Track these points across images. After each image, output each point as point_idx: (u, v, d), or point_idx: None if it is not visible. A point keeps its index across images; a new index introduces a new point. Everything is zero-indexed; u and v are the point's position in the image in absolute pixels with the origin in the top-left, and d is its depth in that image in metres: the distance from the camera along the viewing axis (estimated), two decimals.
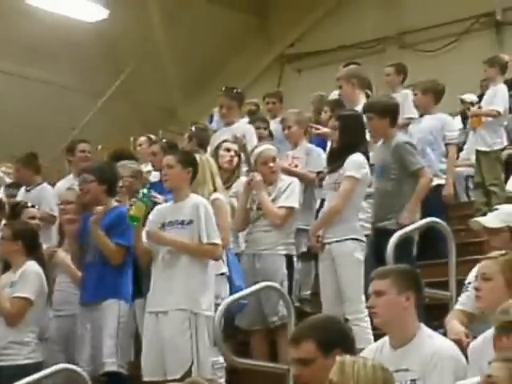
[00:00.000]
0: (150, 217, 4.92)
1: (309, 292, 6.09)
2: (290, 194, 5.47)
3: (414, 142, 5.62)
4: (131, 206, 4.82)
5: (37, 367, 4.94)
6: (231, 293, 5.07)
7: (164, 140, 6.96)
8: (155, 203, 5.11)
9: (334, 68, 7.42)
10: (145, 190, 4.89)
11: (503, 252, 3.56)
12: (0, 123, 11.18)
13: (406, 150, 5.43)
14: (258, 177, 5.47)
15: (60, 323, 5.48)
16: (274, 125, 7.22)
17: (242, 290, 5.08)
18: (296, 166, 6.19)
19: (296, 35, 12.54)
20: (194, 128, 7.11)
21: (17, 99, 11.47)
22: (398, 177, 5.37)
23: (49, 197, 6.76)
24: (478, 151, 6.96)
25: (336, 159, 5.27)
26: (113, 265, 5.13)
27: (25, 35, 10.99)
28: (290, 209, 5.45)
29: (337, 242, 5.10)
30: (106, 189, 5.26)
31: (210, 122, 8.34)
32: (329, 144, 6.09)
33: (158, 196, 5.28)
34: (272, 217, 5.40)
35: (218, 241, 4.82)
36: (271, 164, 5.52)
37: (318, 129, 6.50)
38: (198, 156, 5.17)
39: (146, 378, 4.78)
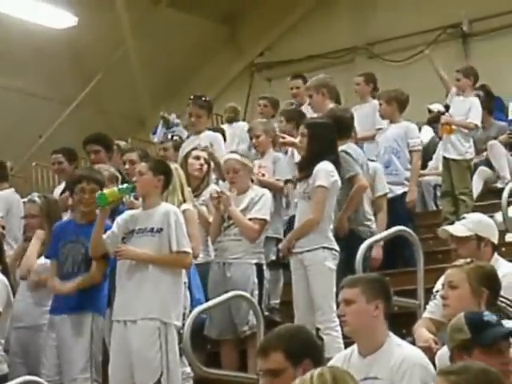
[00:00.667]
0: (119, 219, 4.88)
1: (278, 301, 6.09)
2: (262, 205, 5.47)
3: (350, 151, 5.68)
4: (108, 187, 4.77)
5: (2, 379, 4.84)
6: (192, 306, 5.02)
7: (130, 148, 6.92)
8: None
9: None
10: (130, 185, 4.84)
11: (469, 260, 3.59)
12: None
13: (342, 158, 5.52)
14: (228, 193, 5.48)
15: (19, 335, 5.37)
16: None
17: (201, 303, 5.05)
18: (263, 175, 6.20)
19: (266, 44, 12.56)
20: (177, 138, 7.09)
21: None
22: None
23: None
24: (446, 159, 7.01)
25: (305, 168, 5.28)
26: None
27: None
28: (264, 221, 5.46)
29: (308, 251, 5.11)
30: None
31: (154, 133, 8.28)
32: (295, 153, 6.12)
33: (136, 202, 5.22)
34: (248, 231, 5.40)
35: (188, 249, 4.79)
36: (231, 175, 5.55)
37: (284, 137, 6.52)
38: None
39: None
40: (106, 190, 4.77)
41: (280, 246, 5.41)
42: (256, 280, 5.37)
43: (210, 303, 5.03)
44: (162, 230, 4.74)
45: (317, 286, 5.05)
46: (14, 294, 5.25)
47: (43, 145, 11.08)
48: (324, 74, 6.78)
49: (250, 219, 5.44)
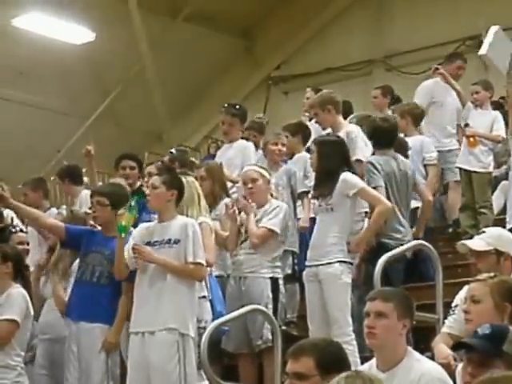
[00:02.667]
0: (134, 233, 4.90)
1: (295, 315, 6.06)
2: (273, 216, 5.46)
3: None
4: (120, 215, 4.81)
5: None
6: (213, 318, 5.03)
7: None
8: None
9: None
10: (133, 202, 4.86)
11: (492, 274, 3.54)
12: None
13: (366, 168, 5.52)
14: (243, 201, 5.49)
15: (45, 347, 5.44)
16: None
17: (222, 315, 5.05)
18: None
19: (282, 57, 12.59)
20: (175, 151, 7.06)
21: (1, 121, 11.41)
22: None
23: None
24: (467, 171, 6.93)
25: (319, 185, 5.25)
26: (110, 289, 5.06)
27: (11, 57, 10.95)
28: (270, 230, 5.43)
29: (325, 264, 5.07)
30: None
31: None
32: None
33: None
34: (251, 236, 5.41)
35: (203, 261, 4.80)
36: (250, 185, 5.53)
37: None
38: (184, 178, 5.16)
39: None
40: (122, 221, 4.80)
41: (351, 241, 5.14)
42: (270, 294, 5.34)
43: (228, 317, 5.02)
44: (179, 241, 4.77)
45: (333, 300, 5.02)
46: (35, 308, 5.30)
47: (62, 159, 11.12)
48: (327, 90, 6.69)
49: (259, 228, 5.43)
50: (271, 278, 5.39)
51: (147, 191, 5.01)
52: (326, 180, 5.19)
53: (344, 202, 5.12)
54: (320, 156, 5.23)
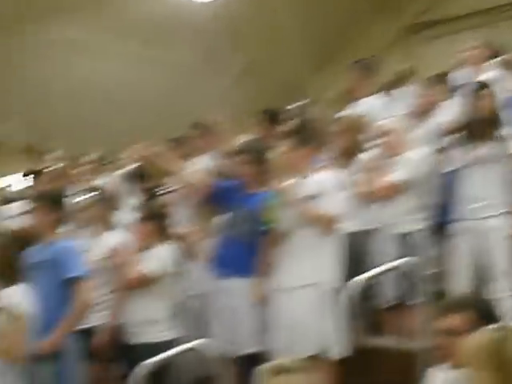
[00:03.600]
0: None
1: (437, 269, 5.89)
2: (399, 168, 5.33)
3: None
4: (266, 211, 4.84)
5: (169, 345, 5.02)
6: None
7: None
8: None
9: (467, 35, 7.06)
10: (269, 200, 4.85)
11: None
12: (124, 106, 11.46)
13: None
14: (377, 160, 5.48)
15: (193, 302, 5.61)
16: None
17: None
18: None
19: (425, 3, 12.10)
20: (295, 106, 6.98)
21: (141, 81, 11.70)
22: None
23: None
24: None
25: (491, 129, 5.08)
26: (254, 244, 5.06)
27: (146, 16, 11.16)
28: (393, 183, 5.26)
29: (488, 217, 4.94)
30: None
31: None
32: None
33: None
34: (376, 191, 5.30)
35: (334, 215, 4.72)
36: (383, 137, 5.47)
37: None
38: None
39: (276, 358, 4.75)
40: (270, 217, 4.87)
41: None
42: (393, 250, 5.19)
43: (374, 271, 4.89)
44: (315, 196, 4.70)
45: (497, 254, 4.88)
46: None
47: (201, 117, 11.31)
48: None
49: None
50: (397, 233, 5.25)
51: (282, 156, 4.94)
52: (495, 126, 5.03)
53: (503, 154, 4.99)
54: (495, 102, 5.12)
